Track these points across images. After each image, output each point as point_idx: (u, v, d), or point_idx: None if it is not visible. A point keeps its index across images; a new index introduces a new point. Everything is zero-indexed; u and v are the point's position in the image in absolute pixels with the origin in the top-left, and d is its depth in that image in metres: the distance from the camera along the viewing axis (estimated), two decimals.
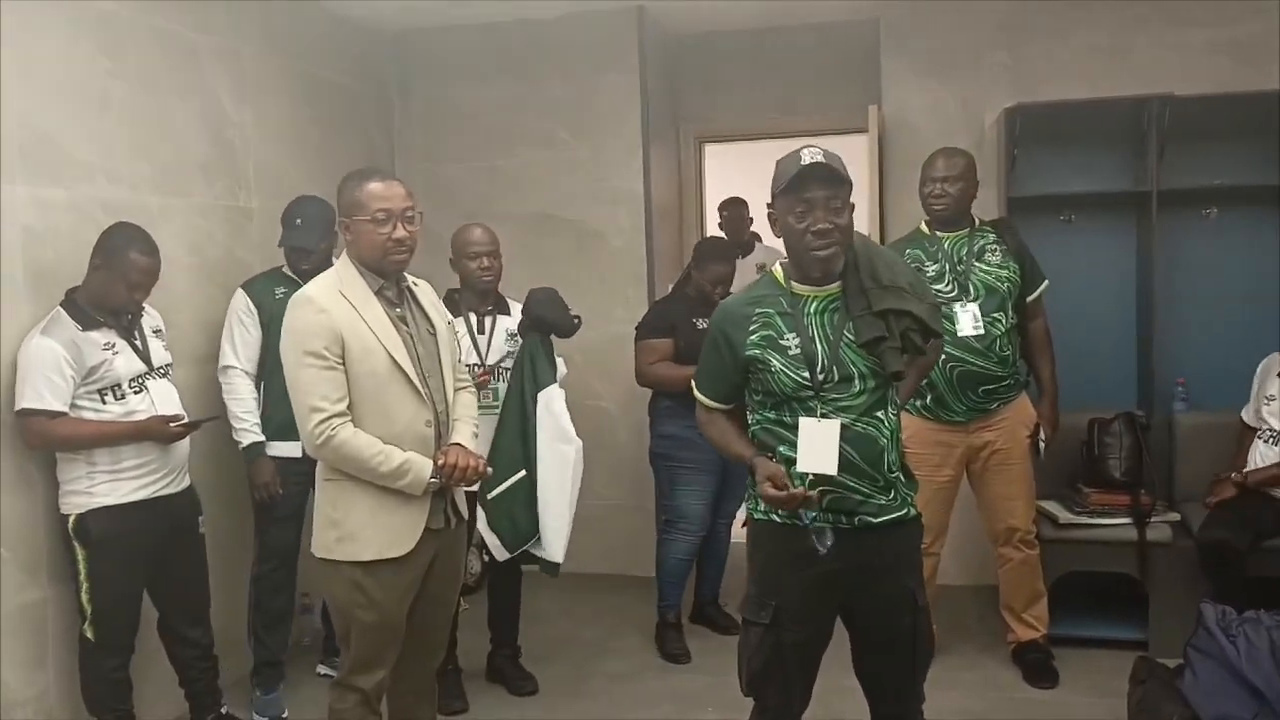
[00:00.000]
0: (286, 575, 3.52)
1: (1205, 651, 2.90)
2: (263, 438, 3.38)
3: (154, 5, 3.40)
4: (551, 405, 3.40)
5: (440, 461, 2.45)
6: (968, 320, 3.37)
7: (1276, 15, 4.05)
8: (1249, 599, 3.06)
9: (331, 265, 2.60)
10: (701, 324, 3.72)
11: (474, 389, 2.78)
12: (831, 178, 2.13)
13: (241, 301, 3.42)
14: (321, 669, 3.77)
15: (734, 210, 5.46)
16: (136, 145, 3.33)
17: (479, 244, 3.44)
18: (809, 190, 2.12)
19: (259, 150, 3.93)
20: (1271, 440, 3.58)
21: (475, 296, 3.49)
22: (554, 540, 3.42)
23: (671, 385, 3.79)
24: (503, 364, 3.50)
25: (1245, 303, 4.15)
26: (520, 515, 3.40)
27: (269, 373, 3.41)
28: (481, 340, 3.48)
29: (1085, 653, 3.68)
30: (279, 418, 3.37)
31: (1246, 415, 3.74)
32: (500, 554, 3.43)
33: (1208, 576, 3.46)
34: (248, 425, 3.36)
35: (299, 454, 3.38)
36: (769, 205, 2.24)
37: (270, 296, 3.41)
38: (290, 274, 3.48)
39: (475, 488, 3.00)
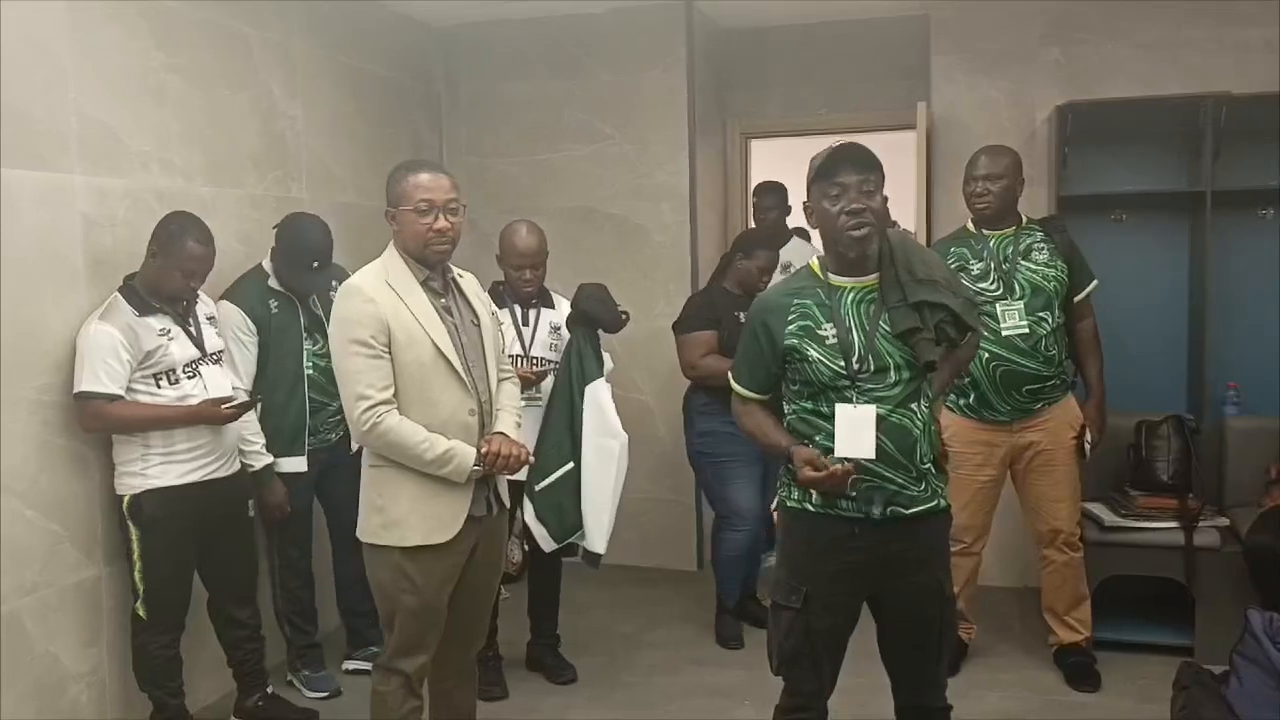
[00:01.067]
0: (307, 563, 3.59)
1: (1251, 659, 2.85)
2: (272, 459, 3.31)
3: (208, 0, 3.48)
4: (598, 399, 3.42)
5: (484, 450, 2.49)
6: (1012, 319, 3.34)
7: None
8: None
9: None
10: (744, 317, 3.72)
11: (517, 380, 2.82)
12: (862, 160, 2.21)
13: (239, 320, 3.27)
14: (348, 665, 3.74)
15: (767, 198, 4.87)
16: (190, 136, 3.41)
17: (524, 255, 3.43)
18: (841, 174, 2.19)
19: (310, 142, 4.00)
20: None
21: (517, 295, 3.53)
22: (596, 532, 3.43)
23: (723, 378, 3.78)
24: (545, 357, 3.53)
25: None
26: (567, 507, 3.43)
27: (270, 388, 3.33)
28: (525, 332, 3.51)
29: (1129, 657, 3.63)
30: (283, 434, 3.35)
31: None
32: (547, 545, 3.46)
33: (1254, 582, 3.40)
34: (257, 448, 3.25)
35: (304, 468, 3.41)
36: (805, 202, 2.29)
37: (266, 311, 3.33)
38: (277, 287, 3.37)
39: (522, 477, 3.04)
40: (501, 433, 2.57)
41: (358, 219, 4.09)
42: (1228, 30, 4.11)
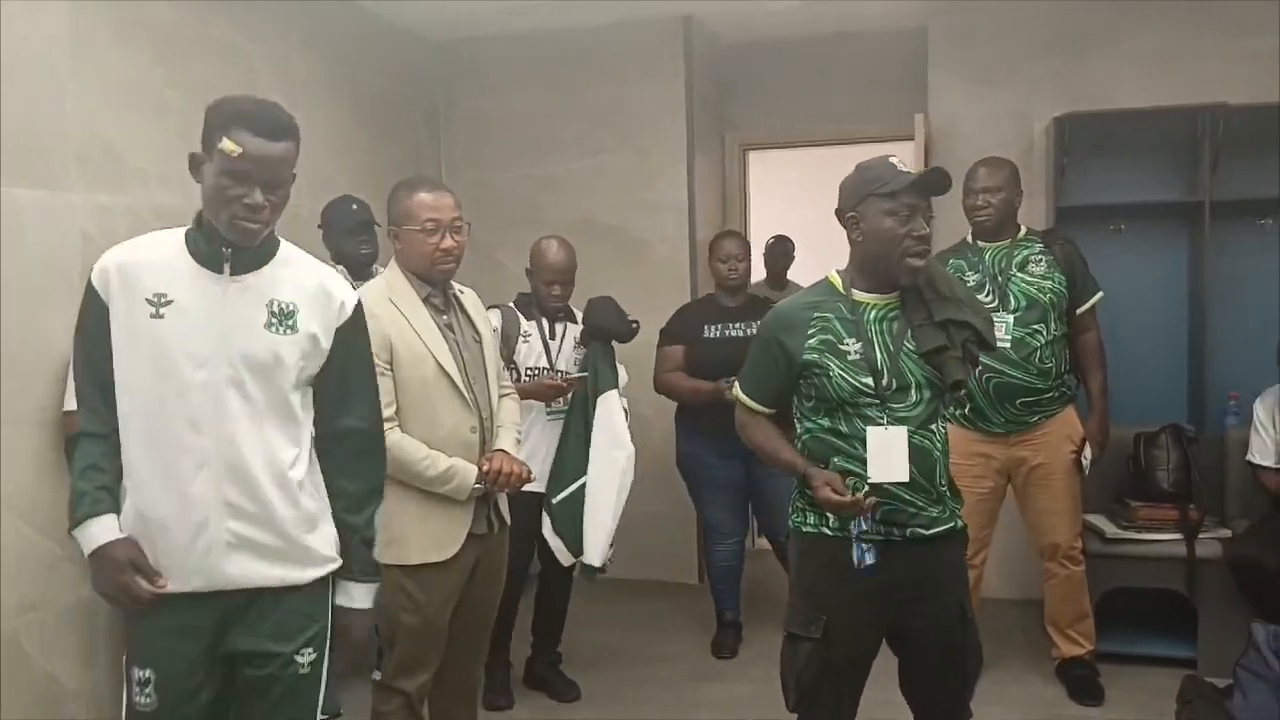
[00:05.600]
0: None
1: (1255, 672, 2.86)
2: None
3: (209, 15, 3.48)
4: (610, 410, 3.44)
5: (485, 467, 2.48)
6: (1000, 331, 3.33)
7: None
8: None
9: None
10: (710, 331, 3.87)
11: (517, 397, 2.81)
12: (939, 189, 2.16)
13: None
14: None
15: (780, 246, 5.52)
16: (190, 151, 3.39)
17: (556, 271, 3.49)
18: (913, 196, 2.15)
19: (310, 155, 3.97)
20: None
21: (544, 309, 3.55)
22: (593, 543, 3.40)
23: (679, 396, 3.94)
24: (569, 371, 3.53)
25: None
26: (580, 519, 3.43)
27: None
28: (553, 345, 3.54)
29: (1132, 670, 3.62)
30: None
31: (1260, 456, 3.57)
32: (565, 558, 3.45)
33: (1242, 593, 3.39)
34: None
35: None
36: (848, 209, 2.23)
37: None
38: None
39: (540, 489, 3.18)
40: (502, 450, 2.56)
41: None
42: (1229, 39, 4.11)
